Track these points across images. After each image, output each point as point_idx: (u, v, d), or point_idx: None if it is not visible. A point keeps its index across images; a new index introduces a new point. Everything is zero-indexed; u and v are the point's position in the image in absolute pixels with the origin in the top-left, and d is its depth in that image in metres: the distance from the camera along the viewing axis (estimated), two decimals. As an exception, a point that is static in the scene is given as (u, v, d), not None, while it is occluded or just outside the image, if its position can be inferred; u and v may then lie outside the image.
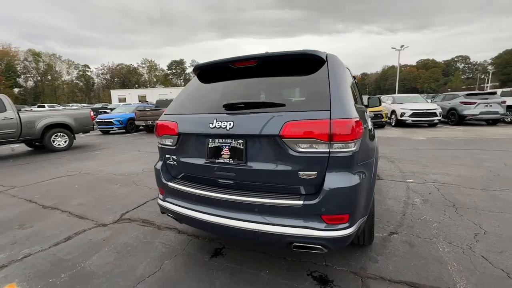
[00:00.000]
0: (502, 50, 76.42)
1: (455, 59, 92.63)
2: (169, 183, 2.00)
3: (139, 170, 5.12)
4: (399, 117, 11.48)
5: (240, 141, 1.69)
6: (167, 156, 2.08)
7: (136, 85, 79.73)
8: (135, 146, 8.34)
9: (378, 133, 9.81)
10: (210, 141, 1.80)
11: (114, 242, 2.44)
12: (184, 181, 2.00)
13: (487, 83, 67.00)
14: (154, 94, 46.13)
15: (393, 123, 11.99)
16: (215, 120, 1.74)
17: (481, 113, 10.71)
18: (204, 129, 1.79)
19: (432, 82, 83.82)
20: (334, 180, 1.50)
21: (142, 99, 43.87)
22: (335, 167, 1.52)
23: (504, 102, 10.77)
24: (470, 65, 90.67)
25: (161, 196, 2.14)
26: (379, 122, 10.95)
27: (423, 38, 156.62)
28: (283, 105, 1.62)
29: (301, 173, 1.56)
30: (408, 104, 11.70)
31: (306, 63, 1.80)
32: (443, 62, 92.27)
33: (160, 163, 2.16)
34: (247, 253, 2.19)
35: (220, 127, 1.71)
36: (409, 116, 11.16)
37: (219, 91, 2.05)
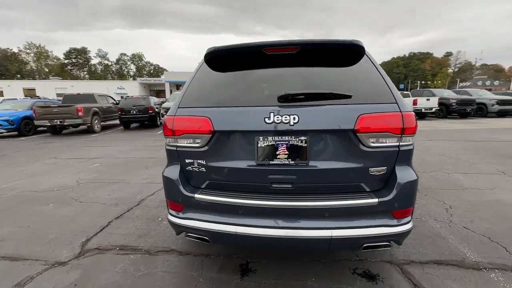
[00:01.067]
0: (381, 62, 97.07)
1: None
2: (196, 195, 1.57)
3: (72, 183, 3.98)
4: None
5: (303, 138, 1.46)
6: (188, 161, 1.63)
7: (18, 75, 62.48)
8: (47, 153, 6.48)
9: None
10: (261, 140, 1.49)
11: (95, 284, 1.77)
12: (214, 191, 1.61)
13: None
14: (48, 88, 37.19)
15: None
16: (271, 114, 1.45)
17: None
18: (256, 125, 1.47)
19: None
20: (404, 174, 1.48)
21: (30, 93, 34.65)
22: (401, 161, 1.50)
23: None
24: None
25: (174, 213, 1.67)
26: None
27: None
28: (350, 96, 1.48)
29: (371, 169, 1.47)
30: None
31: (348, 53, 1.70)
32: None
33: (175, 170, 1.67)
34: (277, 263, 1.96)
35: (281, 122, 1.44)
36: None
37: (250, 81, 1.73)
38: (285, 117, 1.43)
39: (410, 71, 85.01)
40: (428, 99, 13.88)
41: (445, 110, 14.18)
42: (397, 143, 1.46)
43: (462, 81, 74.95)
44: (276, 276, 1.82)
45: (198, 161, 1.60)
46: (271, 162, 1.50)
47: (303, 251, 2.05)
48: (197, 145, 1.58)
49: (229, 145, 1.55)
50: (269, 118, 1.45)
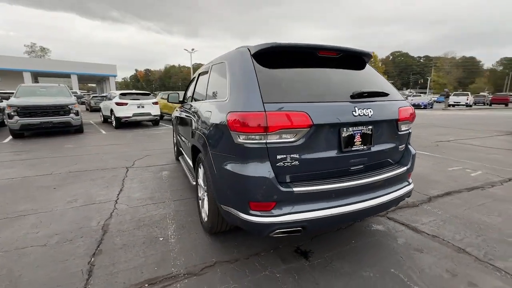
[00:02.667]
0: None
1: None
2: (294, 189, 1.59)
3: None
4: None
5: (370, 126, 1.82)
6: (280, 156, 1.59)
7: None
8: None
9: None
10: (344, 130, 1.72)
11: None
12: (307, 182, 1.68)
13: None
14: None
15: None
16: (356, 108, 1.71)
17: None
18: (345, 118, 1.68)
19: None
20: (412, 149, 2.16)
21: None
22: (409, 140, 2.17)
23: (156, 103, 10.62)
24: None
25: (262, 213, 1.61)
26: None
27: (197, 44, 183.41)
28: (387, 94, 1.97)
29: (400, 147, 2.05)
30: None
31: (364, 60, 2.21)
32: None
33: (264, 168, 1.58)
34: (318, 239, 2.23)
35: (363, 114, 1.72)
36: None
37: (315, 78, 1.88)
38: (365, 111, 1.74)
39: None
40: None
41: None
42: (409, 128, 2.11)
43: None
44: (329, 248, 2.10)
45: (292, 155, 1.61)
46: (352, 149, 1.76)
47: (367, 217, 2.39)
48: (293, 139, 1.59)
49: (319, 137, 1.67)
50: (355, 111, 1.71)
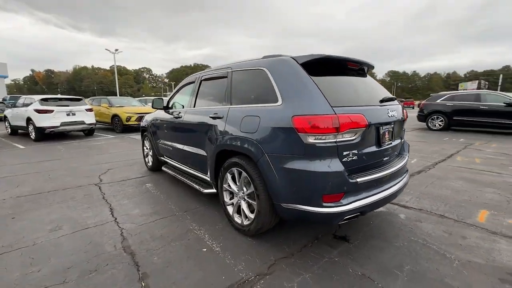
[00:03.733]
0: (172, 68, 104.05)
1: (142, 70, 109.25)
2: (358, 180, 1.86)
3: None
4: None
5: (393, 125, 2.25)
6: (345, 153, 1.84)
7: None
8: None
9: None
10: (382, 129, 2.09)
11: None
12: (363, 172, 1.97)
13: (167, 91, 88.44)
14: None
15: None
16: (388, 110, 2.10)
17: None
18: (384, 118, 2.05)
19: (128, 88, 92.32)
20: (406, 142, 2.74)
21: None
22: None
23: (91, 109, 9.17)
24: (153, 76, 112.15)
25: (333, 203, 1.82)
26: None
27: (113, 44, 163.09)
28: (396, 98, 2.46)
29: (402, 140, 2.58)
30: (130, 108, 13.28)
31: (366, 70, 2.67)
32: (133, 70, 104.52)
33: (334, 163, 1.79)
34: (348, 224, 2.57)
35: (392, 115, 2.13)
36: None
37: (351, 85, 2.19)
38: (392, 112, 2.16)
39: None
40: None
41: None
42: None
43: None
44: (357, 230, 2.46)
45: (352, 151, 1.87)
46: (386, 143, 2.16)
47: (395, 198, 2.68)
48: (353, 138, 1.85)
49: (368, 135, 1.98)
50: (389, 113, 2.11)
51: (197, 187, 3.00)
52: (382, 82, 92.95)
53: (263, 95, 2.19)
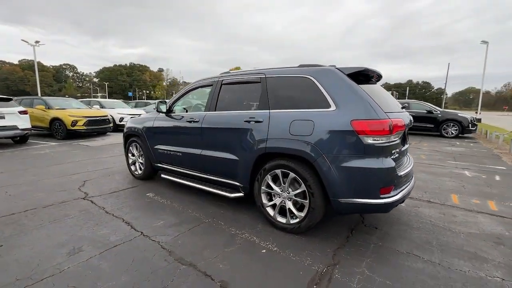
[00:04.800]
0: (102, 67, 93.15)
1: (64, 67, 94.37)
2: (401, 173, 2.22)
3: None
4: (118, 122, 11.49)
5: (407, 128, 2.72)
6: (393, 151, 2.17)
7: None
8: None
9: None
10: (406, 130, 2.52)
11: None
12: (399, 168, 2.33)
13: (98, 92, 78.77)
14: None
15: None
16: (411, 115, 2.54)
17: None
18: (408, 122, 2.47)
19: (46, 87, 78.49)
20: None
21: None
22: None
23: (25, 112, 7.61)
24: (78, 75, 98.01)
25: (387, 195, 2.13)
26: (108, 127, 10.21)
27: (21, 34, 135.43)
28: (405, 106, 2.96)
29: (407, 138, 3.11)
30: (122, 110, 12.07)
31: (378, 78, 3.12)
32: (52, 67, 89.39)
33: (386, 160, 2.10)
34: (356, 215, 2.93)
35: (410, 120, 2.58)
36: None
37: (376, 92, 2.54)
38: (410, 117, 2.61)
39: (134, 80, 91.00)
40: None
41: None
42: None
43: (173, 93, 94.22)
44: (380, 220, 2.85)
45: (395, 150, 2.22)
46: (406, 143, 2.59)
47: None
48: (397, 138, 2.20)
49: (401, 136, 2.37)
50: (411, 118, 2.54)
51: (223, 193, 2.96)
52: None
53: (311, 101, 2.37)
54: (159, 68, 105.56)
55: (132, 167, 4.40)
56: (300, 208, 2.46)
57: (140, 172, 4.23)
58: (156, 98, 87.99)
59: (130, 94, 76.37)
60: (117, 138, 9.40)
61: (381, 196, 2.10)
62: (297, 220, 2.43)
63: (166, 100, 3.72)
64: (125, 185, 3.96)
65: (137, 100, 18.34)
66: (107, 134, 10.66)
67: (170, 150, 3.59)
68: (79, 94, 75.67)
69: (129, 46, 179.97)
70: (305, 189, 2.33)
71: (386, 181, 2.10)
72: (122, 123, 11.51)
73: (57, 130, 9.15)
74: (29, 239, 2.37)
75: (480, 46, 21.74)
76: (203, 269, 1.96)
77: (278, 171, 2.50)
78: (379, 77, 2.79)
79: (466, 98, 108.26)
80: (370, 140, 2.07)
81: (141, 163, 4.21)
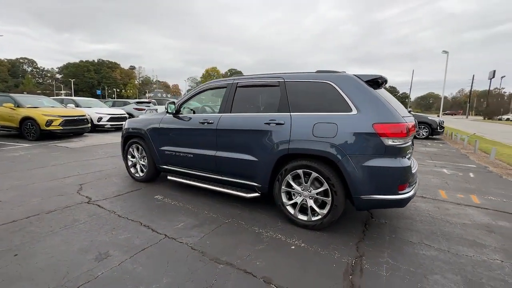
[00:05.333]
0: (67, 62, 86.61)
1: (21, 60, 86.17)
2: (413, 172, 2.46)
3: None
4: (96, 122, 10.87)
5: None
6: (408, 151, 2.40)
7: None
8: None
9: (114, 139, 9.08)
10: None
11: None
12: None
13: (61, 90, 73.12)
14: None
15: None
16: (413, 118, 2.81)
17: (149, 117, 13.93)
18: (414, 124, 2.73)
19: (0, 82, 71.06)
20: None
21: None
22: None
23: None
24: (38, 70, 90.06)
25: (405, 190, 2.37)
26: (86, 128, 9.62)
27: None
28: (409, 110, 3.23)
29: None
30: (100, 109, 11.43)
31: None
32: (6, 61, 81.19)
33: (404, 160, 2.33)
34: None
35: (416, 123, 2.85)
36: (108, 121, 11.12)
37: (387, 98, 2.76)
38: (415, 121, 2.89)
39: (103, 77, 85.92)
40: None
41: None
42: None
43: (146, 93, 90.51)
44: (388, 215, 3.10)
45: (409, 150, 2.46)
46: (413, 144, 2.86)
47: None
48: (409, 140, 2.44)
49: (411, 137, 2.62)
50: (415, 121, 2.81)
51: (240, 193, 3.02)
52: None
53: (332, 105, 2.54)
54: (131, 66, 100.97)
55: (132, 170, 4.25)
56: (321, 205, 2.61)
57: (141, 174, 4.11)
58: (127, 97, 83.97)
59: (98, 92, 71.94)
60: (98, 139, 8.92)
61: (399, 192, 2.32)
62: (319, 217, 2.58)
63: (175, 101, 3.67)
64: (127, 188, 3.83)
65: (115, 99, 17.39)
66: (84, 135, 10.05)
67: (179, 152, 3.55)
68: (39, 91, 69.38)
69: (98, 41, 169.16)
70: (328, 187, 2.48)
71: (403, 179, 2.33)
72: (100, 123, 10.95)
73: (29, 131, 8.43)
74: (45, 246, 2.23)
75: (439, 54, 23.93)
76: (242, 267, 2.02)
77: (300, 171, 2.62)
78: (385, 82, 3.04)
79: (427, 102, 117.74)
80: (390, 142, 2.28)
81: (143, 165, 4.10)
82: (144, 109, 13.69)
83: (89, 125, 9.84)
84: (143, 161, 4.08)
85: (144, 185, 3.98)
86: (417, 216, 3.06)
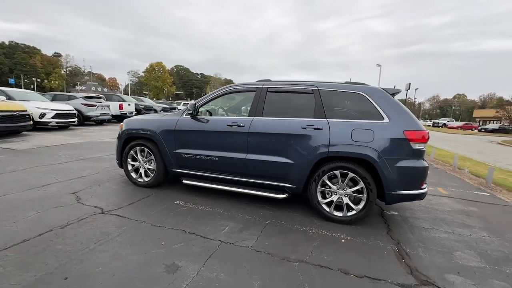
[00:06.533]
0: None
1: None
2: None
3: None
4: (37, 119, 9.19)
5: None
6: (424, 154, 2.91)
7: None
8: None
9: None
10: None
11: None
12: None
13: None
14: None
15: (25, 127, 9.13)
16: None
17: (101, 114, 12.48)
18: None
19: None
20: None
21: None
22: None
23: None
24: None
25: (425, 185, 2.88)
26: (27, 125, 8.07)
27: None
28: None
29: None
30: (42, 103, 9.68)
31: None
32: None
33: (425, 160, 2.83)
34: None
35: None
36: (52, 118, 9.51)
37: None
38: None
39: (17, 64, 71.64)
40: (129, 104, 15.42)
41: (136, 114, 16.74)
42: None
43: (76, 85, 79.06)
44: (396, 207, 3.63)
45: (424, 155, 2.98)
46: None
47: None
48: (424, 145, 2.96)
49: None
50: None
51: (273, 195, 3.14)
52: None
53: (365, 113, 2.89)
54: (55, 53, 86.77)
55: (133, 174, 3.89)
56: (355, 202, 2.94)
57: (146, 179, 3.80)
58: (51, 89, 71.73)
59: (11, 81, 59.54)
60: (46, 139, 7.61)
61: (421, 187, 2.82)
62: (354, 212, 2.90)
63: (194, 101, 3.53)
64: (135, 195, 3.50)
65: (57, 92, 14.80)
66: (24, 134, 8.44)
67: (200, 155, 3.44)
68: None
69: (7, 20, 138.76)
70: (364, 185, 2.83)
71: (423, 177, 2.83)
72: (43, 120, 9.30)
73: None
74: (95, 265, 1.97)
75: (367, 66, 27.82)
76: (315, 262, 2.18)
77: (337, 172, 2.90)
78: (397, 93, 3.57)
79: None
80: (417, 146, 2.74)
81: (149, 169, 3.80)
82: (95, 105, 12.14)
83: (31, 122, 8.30)
84: (150, 165, 3.78)
85: (152, 191, 3.69)
86: (414, 207, 3.68)
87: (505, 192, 4.84)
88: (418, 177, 2.80)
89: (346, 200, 2.93)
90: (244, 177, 3.30)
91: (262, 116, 3.23)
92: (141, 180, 3.83)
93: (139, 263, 2.03)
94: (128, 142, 3.89)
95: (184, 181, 3.58)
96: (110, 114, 13.29)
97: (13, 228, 2.45)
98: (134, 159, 3.89)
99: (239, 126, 3.25)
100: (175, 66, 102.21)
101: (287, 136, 3.06)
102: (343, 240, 2.60)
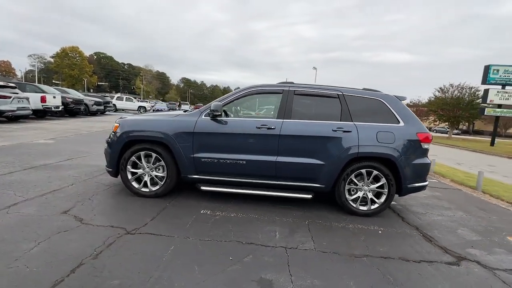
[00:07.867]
0: None
1: None
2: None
3: None
4: None
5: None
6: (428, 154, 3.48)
7: None
8: None
9: None
10: None
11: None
12: None
13: None
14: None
15: None
16: None
17: (18, 108, 9.93)
18: None
19: None
20: None
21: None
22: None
23: None
24: None
25: (427, 179, 3.45)
26: None
27: None
28: None
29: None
30: None
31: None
32: None
33: (429, 158, 3.38)
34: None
35: None
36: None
37: None
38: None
39: None
40: (54, 97, 12.69)
41: (64, 109, 13.96)
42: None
43: None
44: (398, 200, 4.19)
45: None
46: None
47: None
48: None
49: None
50: None
51: (303, 195, 3.23)
52: (177, 88, 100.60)
53: (384, 117, 3.26)
54: None
55: (135, 184, 3.35)
56: (376, 197, 3.30)
57: (154, 188, 3.33)
58: None
59: None
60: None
61: (426, 180, 3.37)
62: (377, 205, 3.26)
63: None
64: (149, 208, 3.03)
65: None
66: None
67: (225, 159, 3.22)
68: None
69: None
70: (386, 181, 3.20)
71: (428, 171, 3.40)
72: None
73: None
74: (178, 296, 1.69)
75: (297, 68, 30.55)
76: (376, 255, 2.38)
77: (363, 170, 3.20)
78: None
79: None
80: (425, 146, 3.26)
81: (156, 176, 3.33)
82: (10, 97, 9.55)
83: None
84: (159, 172, 3.32)
85: (165, 202, 3.26)
86: (410, 200, 4.34)
87: (444, 178, 6.16)
88: (425, 171, 3.34)
89: (370, 195, 3.26)
90: (273, 180, 3.27)
91: (291, 119, 3.25)
92: (146, 190, 3.33)
93: (226, 284, 1.83)
94: (128, 147, 3.31)
95: (203, 188, 3.29)
96: (31, 108, 10.70)
97: (23, 268, 1.83)
98: (136, 167, 3.34)
99: (269, 128, 3.19)
100: (95, 53, 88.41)
101: (318, 139, 3.18)
102: (379, 231, 2.90)
